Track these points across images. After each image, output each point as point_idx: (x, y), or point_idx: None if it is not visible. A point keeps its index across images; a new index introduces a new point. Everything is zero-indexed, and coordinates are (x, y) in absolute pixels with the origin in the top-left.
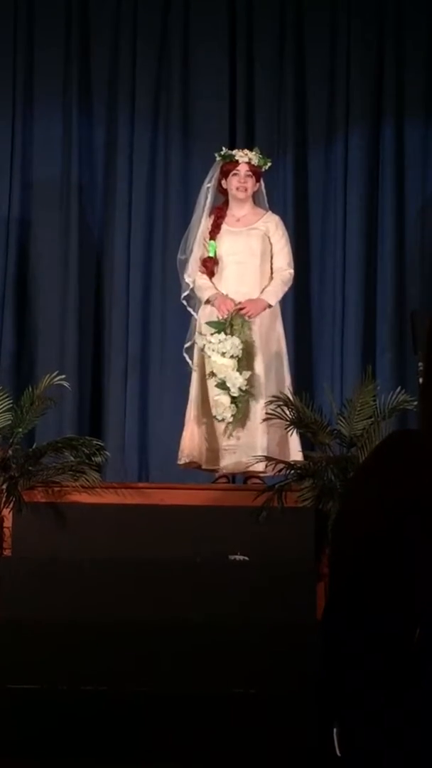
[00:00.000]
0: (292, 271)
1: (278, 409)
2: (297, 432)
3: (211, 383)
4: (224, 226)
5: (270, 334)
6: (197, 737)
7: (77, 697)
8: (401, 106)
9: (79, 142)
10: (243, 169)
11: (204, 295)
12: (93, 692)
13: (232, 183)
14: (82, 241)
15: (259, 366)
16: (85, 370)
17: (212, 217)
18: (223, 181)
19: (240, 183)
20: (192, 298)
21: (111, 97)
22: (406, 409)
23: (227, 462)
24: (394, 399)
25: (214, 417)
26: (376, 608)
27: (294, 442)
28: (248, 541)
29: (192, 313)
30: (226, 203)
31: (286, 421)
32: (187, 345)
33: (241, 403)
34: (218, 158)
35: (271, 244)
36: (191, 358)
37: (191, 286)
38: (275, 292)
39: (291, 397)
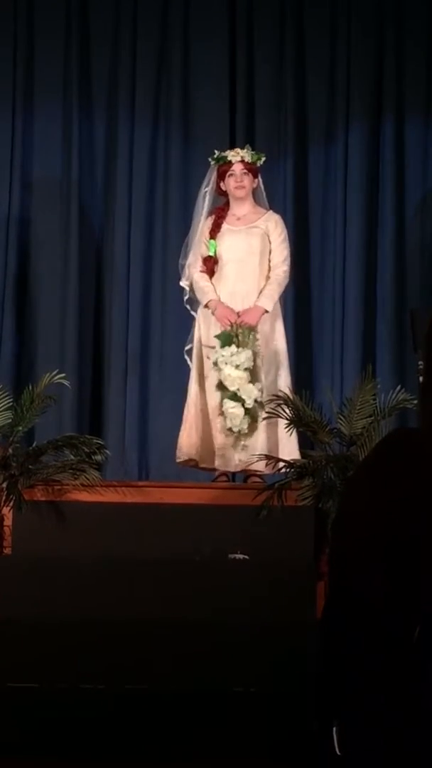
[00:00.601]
0: (286, 268)
1: (278, 408)
2: (296, 431)
3: (217, 394)
4: (225, 225)
5: (271, 336)
6: (197, 736)
7: (77, 696)
8: (401, 104)
9: (79, 141)
10: (238, 168)
11: (203, 298)
12: (92, 691)
13: (230, 183)
14: (82, 240)
15: (264, 372)
16: (85, 368)
17: (213, 216)
18: (221, 184)
19: (237, 182)
20: (194, 301)
21: (111, 95)
22: (406, 407)
23: (230, 461)
24: (394, 398)
25: (229, 429)
26: (376, 607)
27: (290, 442)
28: (248, 539)
29: (194, 314)
30: (227, 204)
31: (286, 419)
32: (187, 347)
33: (254, 413)
34: (212, 162)
35: (270, 242)
36: (191, 359)
37: (187, 289)
38: (271, 295)
39: (291, 396)
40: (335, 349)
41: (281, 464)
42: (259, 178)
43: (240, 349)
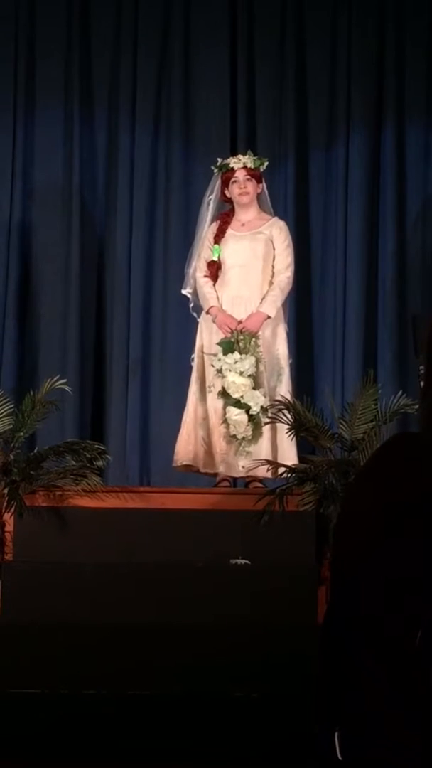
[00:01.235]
0: (289, 274)
1: (279, 414)
2: (297, 436)
3: (219, 402)
4: (229, 231)
5: (273, 341)
6: (199, 741)
7: (79, 702)
8: (402, 109)
9: (80, 147)
10: (241, 174)
11: (204, 305)
12: (94, 696)
13: (234, 190)
14: (83, 246)
15: (266, 378)
16: (86, 374)
17: (217, 221)
18: (225, 191)
19: (241, 189)
20: (199, 307)
21: (112, 100)
22: (407, 412)
23: (233, 467)
24: (396, 403)
25: (233, 436)
26: (377, 611)
27: (290, 447)
28: (249, 544)
29: (197, 318)
30: (233, 210)
31: (288, 425)
32: (193, 356)
33: (258, 419)
34: (215, 171)
35: (274, 247)
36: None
37: (190, 297)
38: (273, 301)
39: (292, 401)
40: (336, 354)
41: (282, 469)
42: (263, 183)
43: (244, 356)
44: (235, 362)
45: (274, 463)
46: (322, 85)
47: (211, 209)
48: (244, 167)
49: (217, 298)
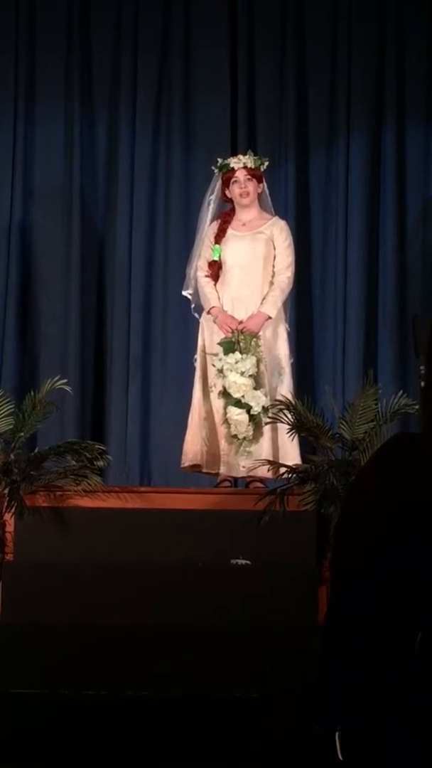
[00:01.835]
0: (290, 274)
1: (280, 414)
2: (298, 436)
3: (220, 401)
4: (230, 231)
5: (273, 341)
6: (199, 741)
7: (79, 702)
8: (402, 109)
9: (81, 146)
10: (241, 174)
11: (206, 305)
12: (94, 696)
13: (234, 190)
14: (84, 246)
15: (267, 378)
16: (87, 374)
17: (218, 221)
18: (226, 191)
19: (241, 189)
20: (200, 308)
21: (112, 100)
22: (407, 412)
23: (234, 467)
24: (396, 402)
25: (234, 436)
26: (378, 611)
27: (292, 447)
28: (250, 545)
29: (199, 319)
30: (233, 210)
31: (288, 425)
32: (195, 356)
33: (259, 419)
34: (216, 171)
35: (274, 247)
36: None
37: (190, 298)
38: (274, 301)
39: (293, 401)
40: (337, 354)
41: (283, 469)
42: (264, 183)
43: (244, 355)
44: (236, 362)
45: (274, 463)
46: (322, 84)
47: (211, 209)
48: (245, 167)
49: (218, 298)
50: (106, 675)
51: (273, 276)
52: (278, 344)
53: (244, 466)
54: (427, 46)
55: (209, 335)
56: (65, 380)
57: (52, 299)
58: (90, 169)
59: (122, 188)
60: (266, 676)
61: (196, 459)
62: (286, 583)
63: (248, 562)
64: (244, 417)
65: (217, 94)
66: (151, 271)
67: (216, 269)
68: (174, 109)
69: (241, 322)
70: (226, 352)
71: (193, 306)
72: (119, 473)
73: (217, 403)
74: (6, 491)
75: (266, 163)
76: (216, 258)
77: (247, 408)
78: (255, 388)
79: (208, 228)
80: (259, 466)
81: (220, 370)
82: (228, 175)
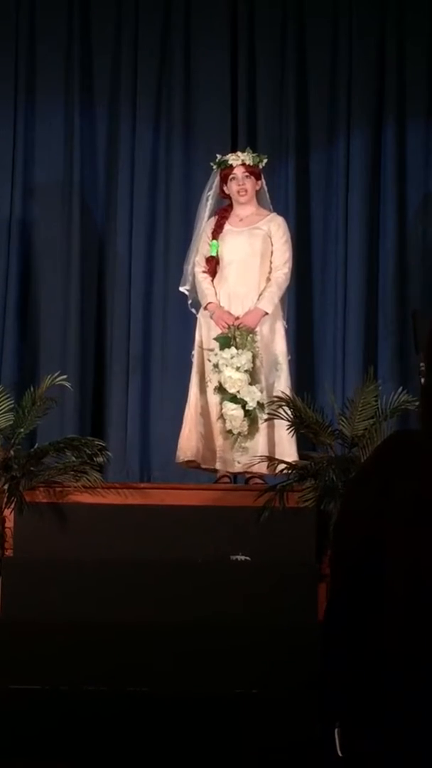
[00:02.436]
0: (287, 270)
1: (279, 410)
2: (297, 433)
3: (217, 397)
4: (227, 226)
5: (271, 338)
6: (199, 738)
7: (78, 698)
8: (402, 107)
9: (81, 144)
10: (239, 171)
11: (203, 300)
12: (94, 693)
13: (232, 187)
14: (83, 242)
15: (264, 374)
16: (86, 370)
17: (215, 217)
18: (224, 187)
19: (239, 185)
20: (197, 304)
21: (113, 98)
22: (407, 409)
23: (230, 463)
24: (396, 399)
25: (229, 431)
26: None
27: (290, 444)
28: (250, 541)
29: (196, 314)
30: (231, 206)
31: (288, 421)
32: (193, 352)
33: (255, 415)
34: (214, 167)
35: (272, 243)
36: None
37: (188, 294)
38: (271, 298)
39: (292, 398)
40: (337, 351)
41: (282, 466)
42: (263, 180)
43: (240, 351)
44: (232, 357)
45: (272, 459)
46: (322, 83)
47: (209, 205)
48: (243, 164)
49: (215, 294)
50: (106, 671)
51: (270, 272)
52: (275, 340)
53: (239, 462)
54: (427, 45)
55: (206, 331)
56: (65, 376)
57: (52, 295)
58: (90, 165)
59: (122, 186)
60: (266, 673)
61: (190, 454)
62: (285, 579)
63: (248, 558)
64: (240, 412)
65: (217, 93)
66: (151, 268)
67: (213, 265)
68: (174, 108)
69: (237, 318)
70: (222, 348)
71: (190, 302)
72: (119, 469)
73: (213, 399)
74: (6, 487)
75: (265, 161)
76: (213, 254)
77: (243, 403)
78: (250, 384)
79: (205, 224)
80: (258, 463)
81: (216, 366)
82: (226, 171)
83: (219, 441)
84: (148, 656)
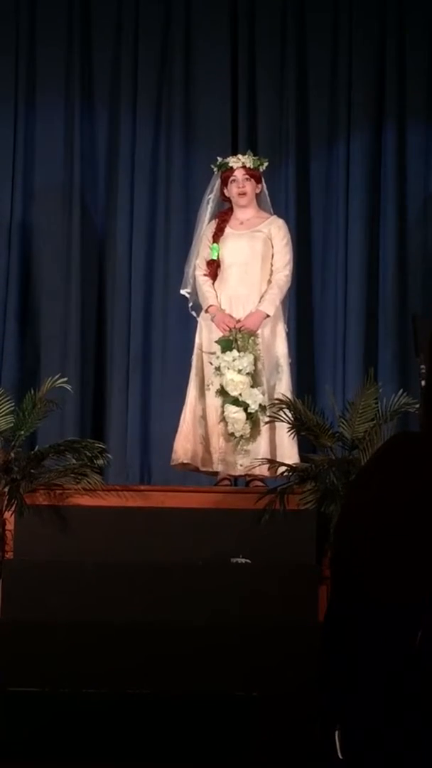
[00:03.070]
0: (288, 272)
1: (280, 412)
2: (297, 435)
3: (218, 400)
4: (228, 229)
5: (272, 340)
6: (199, 739)
7: (79, 700)
8: (403, 109)
9: (81, 145)
10: (239, 174)
11: (204, 303)
12: (95, 695)
13: (233, 190)
14: (84, 244)
15: (265, 377)
16: (87, 372)
17: (216, 220)
18: (224, 190)
19: (239, 188)
20: (198, 306)
21: (113, 99)
22: (408, 411)
23: (231, 465)
24: (396, 401)
25: (231, 434)
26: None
27: (291, 446)
28: (250, 543)
29: (197, 318)
30: (231, 209)
31: (288, 423)
32: (194, 355)
33: (256, 417)
34: (215, 170)
35: (272, 246)
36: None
37: (188, 297)
38: (272, 300)
39: (293, 400)
40: (337, 353)
41: (283, 468)
42: (263, 183)
43: (242, 353)
44: (234, 360)
45: (273, 462)
46: (323, 84)
47: (210, 208)
48: (243, 167)
49: (216, 296)
50: (107, 673)
51: (271, 275)
52: (277, 343)
53: (242, 465)
54: (427, 45)
55: (207, 334)
56: (65, 379)
57: (52, 297)
58: (90, 166)
59: (122, 186)
60: (267, 675)
61: (186, 457)
62: (286, 581)
63: (248, 560)
64: (242, 415)
65: (217, 93)
66: (151, 268)
67: (214, 268)
68: (175, 108)
69: (239, 321)
70: (223, 350)
71: (191, 305)
72: (119, 472)
73: (214, 402)
74: (6, 489)
75: (265, 164)
76: (214, 257)
77: (245, 406)
78: (252, 387)
79: (206, 226)
80: (258, 465)
81: (218, 368)
82: (227, 174)
83: (220, 444)
84: (148, 659)
